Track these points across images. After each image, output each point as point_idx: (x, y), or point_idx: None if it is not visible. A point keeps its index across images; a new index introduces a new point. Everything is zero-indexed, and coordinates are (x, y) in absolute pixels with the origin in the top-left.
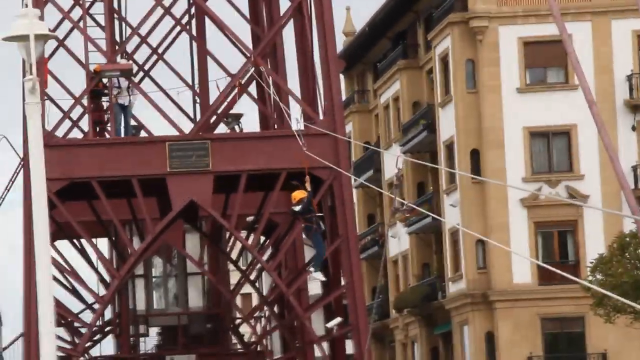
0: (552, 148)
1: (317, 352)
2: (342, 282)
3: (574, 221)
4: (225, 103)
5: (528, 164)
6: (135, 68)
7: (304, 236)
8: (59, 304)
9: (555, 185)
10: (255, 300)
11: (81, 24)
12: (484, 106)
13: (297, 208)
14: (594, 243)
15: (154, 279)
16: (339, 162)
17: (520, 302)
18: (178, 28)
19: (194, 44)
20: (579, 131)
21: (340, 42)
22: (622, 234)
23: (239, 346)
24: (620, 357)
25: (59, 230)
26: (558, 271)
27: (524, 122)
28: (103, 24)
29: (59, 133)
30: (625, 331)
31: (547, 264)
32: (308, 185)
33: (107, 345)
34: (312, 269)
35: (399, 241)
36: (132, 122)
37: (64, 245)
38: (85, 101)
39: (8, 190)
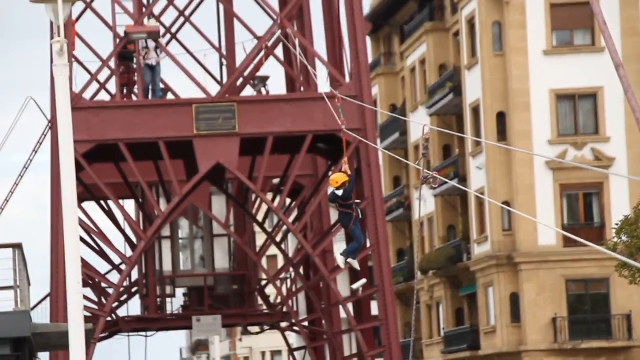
0: (578, 110)
1: (342, 313)
2: (368, 244)
3: (599, 183)
4: (252, 65)
5: (554, 126)
6: (162, 30)
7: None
8: (85, 265)
9: (580, 147)
10: (280, 262)
11: None
12: (510, 68)
13: (339, 192)
14: (619, 205)
15: (180, 240)
16: (365, 125)
17: (545, 263)
18: None
19: (221, 6)
20: (605, 93)
21: (367, 4)
22: None
23: (264, 307)
24: None
25: (86, 192)
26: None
27: (550, 84)
28: None
29: (86, 95)
30: None
31: (573, 226)
32: (346, 169)
33: (134, 306)
34: (348, 257)
35: (424, 203)
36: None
37: (91, 206)
38: (112, 63)
39: (35, 152)
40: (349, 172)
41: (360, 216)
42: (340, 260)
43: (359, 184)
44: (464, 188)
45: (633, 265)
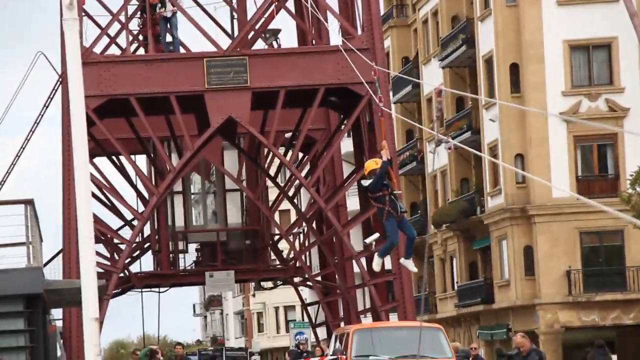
0: (592, 61)
1: (356, 268)
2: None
3: (613, 134)
4: (263, 19)
5: (568, 77)
6: None
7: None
8: (98, 221)
9: (595, 98)
10: (293, 217)
11: None
12: (524, 20)
13: (366, 183)
14: (633, 156)
15: (192, 196)
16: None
17: (559, 216)
18: None
19: None
20: (620, 44)
21: None
22: None
23: (277, 262)
24: None
25: (97, 147)
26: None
27: (564, 35)
28: None
29: (97, 50)
30: None
31: (587, 178)
32: (385, 154)
33: (146, 262)
34: (377, 254)
35: (437, 157)
36: (168, 38)
37: (102, 162)
38: (123, 17)
39: (47, 108)
40: (385, 158)
41: (398, 211)
42: (376, 263)
43: (372, 139)
44: (474, 151)
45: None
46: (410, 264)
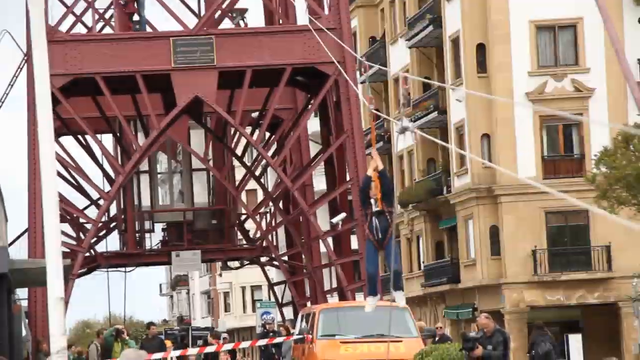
0: (558, 41)
1: (322, 247)
2: (347, 178)
3: (579, 115)
4: None
5: (534, 57)
6: None
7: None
8: (63, 200)
9: (560, 78)
10: (260, 196)
11: None
12: (490, 0)
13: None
14: (598, 136)
15: (158, 175)
16: (344, 58)
17: (525, 196)
18: None
19: None
20: (585, 24)
21: None
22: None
23: (244, 242)
24: (623, 250)
25: (63, 126)
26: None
27: (530, 15)
28: None
29: (63, 28)
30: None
31: (553, 158)
32: (372, 165)
33: (113, 241)
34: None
35: (404, 137)
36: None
37: (68, 141)
38: None
39: (12, 86)
40: (369, 172)
41: (375, 236)
42: (368, 305)
43: (339, 118)
44: (437, 141)
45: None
46: (398, 297)
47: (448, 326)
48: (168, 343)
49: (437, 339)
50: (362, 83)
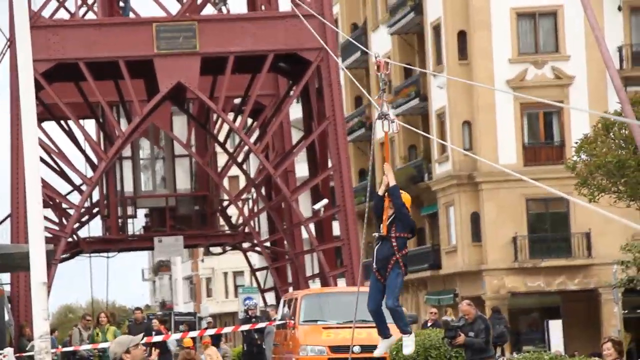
0: (538, 29)
1: (304, 234)
2: (329, 165)
3: (559, 102)
4: None
5: (514, 44)
6: None
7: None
8: (46, 185)
9: (541, 66)
10: (242, 183)
11: None
12: None
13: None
14: (579, 124)
15: (141, 161)
16: (326, 44)
17: (506, 183)
18: None
19: None
20: (566, 12)
21: None
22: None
23: (226, 228)
24: (603, 236)
25: (46, 112)
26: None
27: (511, 2)
28: None
29: (46, 14)
30: (609, 210)
31: (533, 145)
32: (385, 180)
33: (95, 227)
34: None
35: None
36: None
37: (51, 126)
38: None
39: None
40: (390, 184)
41: (373, 264)
42: (378, 352)
43: (321, 105)
44: (413, 129)
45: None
46: (405, 342)
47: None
48: (158, 324)
49: (429, 324)
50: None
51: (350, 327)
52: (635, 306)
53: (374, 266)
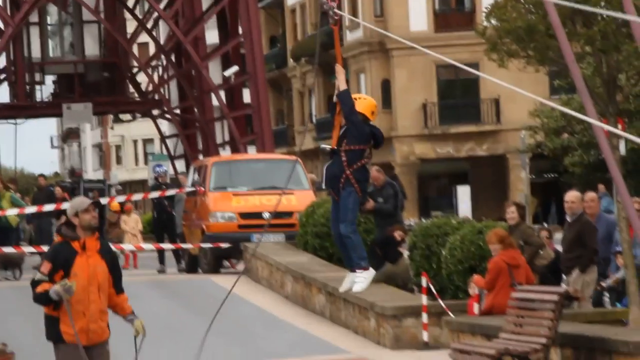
0: None
1: (215, 101)
2: (240, 31)
3: None
4: None
5: None
6: None
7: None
8: None
9: None
10: (152, 49)
11: None
12: None
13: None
14: None
15: (49, 27)
16: None
17: (416, 49)
18: None
19: None
20: None
21: None
22: None
23: (136, 95)
24: (512, 103)
25: None
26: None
27: None
28: None
29: None
30: (518, 76)
31: (444, 12)
32: (339, 78)
33: (2, 93)
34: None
35: None
36: None
37: None
38: None
39: None
40: (339, 88)
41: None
42: (344, 285)
43: None
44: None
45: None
46: (356, 278)
47: None
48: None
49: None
50: None
51: (260, 194)
52: (542, 171)
53: (324, 187)
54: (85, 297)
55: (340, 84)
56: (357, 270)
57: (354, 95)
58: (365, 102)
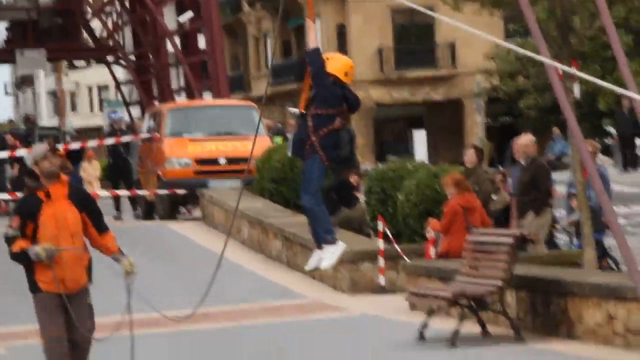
0: None
1: (170, 47)
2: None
3: None
4: None
5: None
6: None
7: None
8: None
9: None
10: None
11: None
12: None
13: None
14: None
15: None
16: None
17: None
18: None
19: None
20: None
21: None
22: None
23: (90, 42)
24: (468, 47)
25: None
26: None
27: None
28: None
29: None
30: (473, 20)
31: None
32: (309, 35)
33: None
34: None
35: None
36: None
37: None
38: None
39: None
40: (308, 47)
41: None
42: (309, 264)
43: None
44: None
45: None
46: (323, 254)
47: (290, 124)
48: (12, 139)
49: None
50: None
51: (216, 140)
52: (498, 114)
53: (289, 154)
54: (56, 246)
55: (310, 41)
56: (324, 246)
57: (326, 55)
58: (337, 62)
